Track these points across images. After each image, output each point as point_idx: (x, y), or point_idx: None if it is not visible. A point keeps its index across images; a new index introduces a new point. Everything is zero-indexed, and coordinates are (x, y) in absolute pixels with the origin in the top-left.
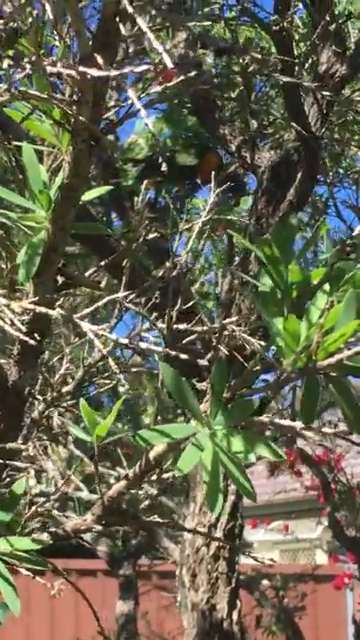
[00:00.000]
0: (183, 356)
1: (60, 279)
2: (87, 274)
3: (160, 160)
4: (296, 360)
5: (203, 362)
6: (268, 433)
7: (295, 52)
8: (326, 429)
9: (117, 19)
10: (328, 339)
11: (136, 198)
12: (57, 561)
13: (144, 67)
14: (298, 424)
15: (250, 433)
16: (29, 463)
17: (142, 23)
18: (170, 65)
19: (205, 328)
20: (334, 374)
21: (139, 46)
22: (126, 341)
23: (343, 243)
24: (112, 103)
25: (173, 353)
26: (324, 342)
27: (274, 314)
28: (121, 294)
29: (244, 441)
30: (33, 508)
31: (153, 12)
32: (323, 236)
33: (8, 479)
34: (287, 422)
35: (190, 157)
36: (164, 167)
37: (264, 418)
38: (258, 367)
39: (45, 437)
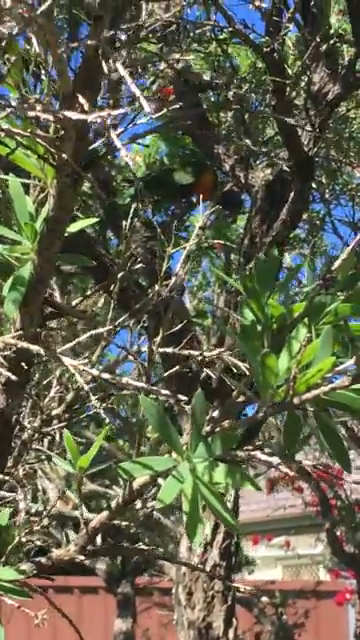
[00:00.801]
0: (164, 392)
1: (47, 309)
2: (74, 303)
3: (159, 177)
4: (274, 395)
5: (182, 398)
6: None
7: (288, 72)
8: (305, 462)
9: (100, 58)
10: (306, 374)
11: (124, 222)
12: (57, 578)
13: (122, 110)
14: (275, 459)
15: (231, 465)
16: (20, 486)
17: (121, 68)
18: (147, 109)
19: (194, 352)
20: (312, 408)
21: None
22: (108, 376)
23: (323, 277)
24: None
25: (153, 389)
26: (302, 377)
27: (254, 348)
28: (103, 329)
29: (224, 473)
30: (26, 529)
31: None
32: (305, 267)
33: None
34: (265, 456)
35: (187, 175)
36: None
37: (242, 452)
38: (240, 399)
39: (40, 456)
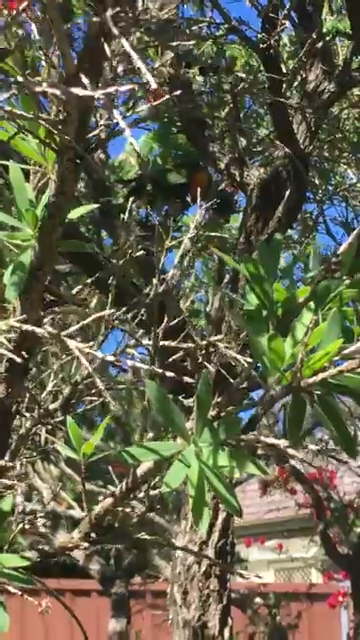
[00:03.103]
0: (169, 374)
1: (48, 296)
2: (74, 292)
3: (152, 178)
4: (280, 378)
5: (188, 379)
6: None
7: (283, 70)
8: (311, 446)
9: (102, 39)
10: (313, 357)
11: (122, 215)
12: (50, 581)
13: (128, 87)
14: (282, 442)
15: (236, 450)
16: (17, 480)
17: (126, 43)
18: (154, 85)
19: (191, 345)
20: (319, 392)
21: (129, 65)
22: (112, 358)
23: (329, 261)
24: (102, 122)
25: (159, 370)
26: (309, 360)
27: (259, 332)
28: (106, 312)
29: (230, 458)
30: (20, 525)
31: (138, 33)
32: (310, 253)
33: None
34: (271, 440)
35: (180, 175)
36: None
37: (250, 435)
38: (244, 385)
39: (35, 454)
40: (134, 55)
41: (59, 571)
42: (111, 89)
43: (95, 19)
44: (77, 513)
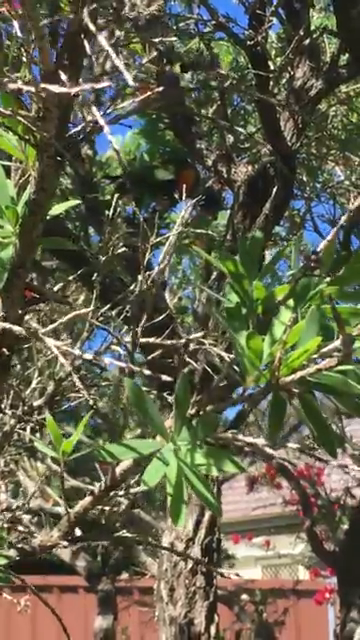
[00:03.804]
0: (146, 372)
1: (29, 294)
2: (56, 288)
3: (140, 174)
4: (259, 377)
5: (166, 378)
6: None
7: (271, 67)
8: (291, 445)
9: (82, 36)
10: (291, 356)
11: (107, 212)
12: (37, 577)
13: (105, 84)
14: (260, 441)
15: (215, 448)
16: (1, 477)
17: (103, 40)
18: (131, 82)
19: (174, 342)
20: (297, 390)
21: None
22: (90, 357)
23: (308, 259)
24: (85, 119)
25: (136, 368)
26: (287, 359)
27: (239, 330)
28: (86, 310)
29: (208, 456)
30: (5, 520)
31: (119, 31)
32: (292, 251)
33: None
34: (249, 438)
35: (168, 172)
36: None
37: (228, 434)
38: (226, 382)
39: (20, 451)
40: (112, 52)
41: (46, 568)
42: (87, 86)
43: (74, 15)
44: (62, 510)
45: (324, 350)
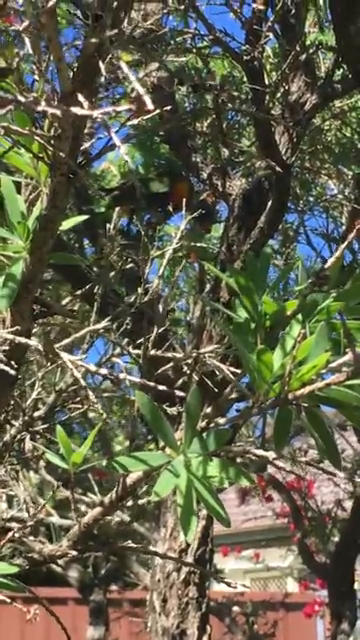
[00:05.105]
0: (161, 387)
1: (37, 307)
2: (63, 303)
3: (133, 187)
4: (269, 390)
5: (180, 393)
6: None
7: (266, 81)
8: (300, 458)
9: (97, 57)
10: (301, 370)
11: (108, 225)
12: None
13: (126, 107)
14: (271, 454)
15: (224, 461)
16: (1, 487)
17: (125, 67)
18: (151, 106)
19: (180, 356)
20: (306, 404)
21: (113, 74)
22: (105, 371)
23: (316, 275)
24: (86, 130)
25: (150, 384)
26: (297, 373)
27: (248, 344)
28: (100, 325)
29: (218, 468)
30: (10, 534)
31: (131, 47)
32: (298, 266)
33: None
34: (260, 451)
35: (162, 185)
36: (139, 193)
37: (238, 447)
38: (233, 396)
39: (16, 462)
40: (132, 77)
41: (35, 580)
42: (109, 109)
43: (92, 40)
44: (56, 520)
45: (333, 365)
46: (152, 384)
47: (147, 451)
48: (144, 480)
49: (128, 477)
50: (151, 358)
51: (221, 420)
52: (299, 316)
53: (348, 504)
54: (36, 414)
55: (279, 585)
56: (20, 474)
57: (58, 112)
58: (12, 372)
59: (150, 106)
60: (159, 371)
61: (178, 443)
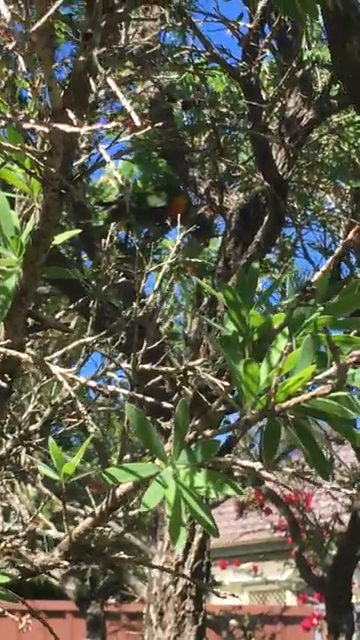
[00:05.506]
0: (148, 399)
1: (30, 321)
2: (57, 316)
3: (129, 202)
4: (255, 403)
5: (167, 405)
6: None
7: (263, 97)
8: (286, 469)
9: (87, 74)
10: (287, 382)
11: (104, 240)
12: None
13: (114, 124)
14: (257, 465)
15: (213, 472)
16: None
17: (113, 84)
18: (137, 122)
19: (171, 369)
20: (293, 416)
21: (108, 89)
22: (94, 384)
23: (303, 289)
24: (83, 145)
25: (139, 395)
26: (283, 385)
27: (236, 357)
28: (90, 338)
29: (206, 479)
30: (2, 545)
31: (125, 64)
32: (287, 280)
33: None
34: (247, 462)
35: (160, 199)
36: (130, 207)
37: (226, 458)
38: (221, 408)
39: (13, 475)
40: (120, 95)
41: (32, 593)
42: (97, 126)
43: (82, 58)
44: (53, 533)
45: (319, 377)
46: (140, 396)
47: (143, 463)
48: (134, 491)
49: (118, 488)
50: (142, 372)
51: (209, 432)
52: (286, 329)
53: (346, 518)
54: (32, 427)
55: (277, 598)
56: (17, 487)
57: (46, 129)
58: (4, 385)
59: (137, 123)
60: (149, 384)
61: (167, 455)
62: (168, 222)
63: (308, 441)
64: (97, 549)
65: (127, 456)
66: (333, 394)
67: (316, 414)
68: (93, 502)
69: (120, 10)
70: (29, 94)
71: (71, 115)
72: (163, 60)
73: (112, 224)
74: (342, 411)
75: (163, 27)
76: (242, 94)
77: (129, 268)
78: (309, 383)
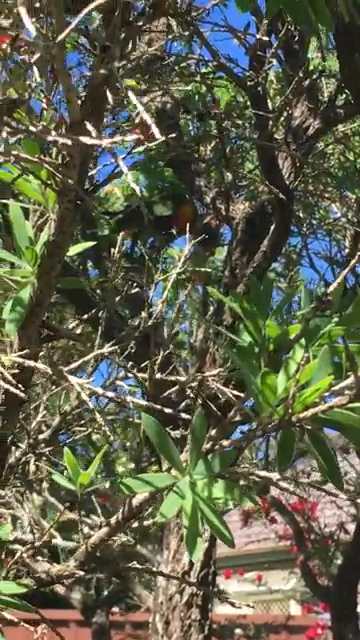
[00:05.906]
0: (167, 410)
1: (43, 331)
2: (70, 327)
3: (139, 210)
4: (272, 413)
5: (186, 416)
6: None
7: (270, 106)
8: (302, 479)
9: (105, 86)
10: (304, 393)
11: (113, 250)
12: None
13: (134, 137)
14: (275, 475)
15: (230, 482)
16: (5, 509)
17: (133, 97)
18: (158, 135)
19: (183, 379)
20: (309, 426)
21: (116, 97)
22: (112, 394)
23: (319, 299)
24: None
25: (157, 406)
26: (300, 396)
27: (252, 368)
28: (106, 349)
29: (223, 490)
30: (17, 554)
31: (136, 80)
32: (300, 290)
33: None
34: (264, 473)
35: (166, 208)
36: (144, 217)
37: (243, 469)
38: (237, 418)
39: (20, 484)
40: (140, 107)
41: (37, 602)
42: (118, 138)
43: (101, 71)
44: (59, 542)
45: (335, 388)
46: (158, 407)
47: (151, 473)
48: (150, 501)
49: (134, 498)
50: (155, 381)
51: (225, 442)
52: (302, 340)
53: (351, 527)
54: (41, 436)
55: (282, 608)
56: (26, 496)
57: (69, 142)
58: (22, 395)
59: (158, 135)
60: (165, 394)
61: (183, 465)
62: (174, 231)
63: (324, 452)
64: (104, 558)
65: (132, 465)
66: (350, 405)
67: (333, 425)
68: (99, 511)
69: (139, 23)
70: (43, 106)
71: (89, 127)
72: (170, 70)
73: (119, 234)
74: (359, 422)
75: (170, 37)
76: (248, 103)
77: (135, 277)
78: (326, 394)
